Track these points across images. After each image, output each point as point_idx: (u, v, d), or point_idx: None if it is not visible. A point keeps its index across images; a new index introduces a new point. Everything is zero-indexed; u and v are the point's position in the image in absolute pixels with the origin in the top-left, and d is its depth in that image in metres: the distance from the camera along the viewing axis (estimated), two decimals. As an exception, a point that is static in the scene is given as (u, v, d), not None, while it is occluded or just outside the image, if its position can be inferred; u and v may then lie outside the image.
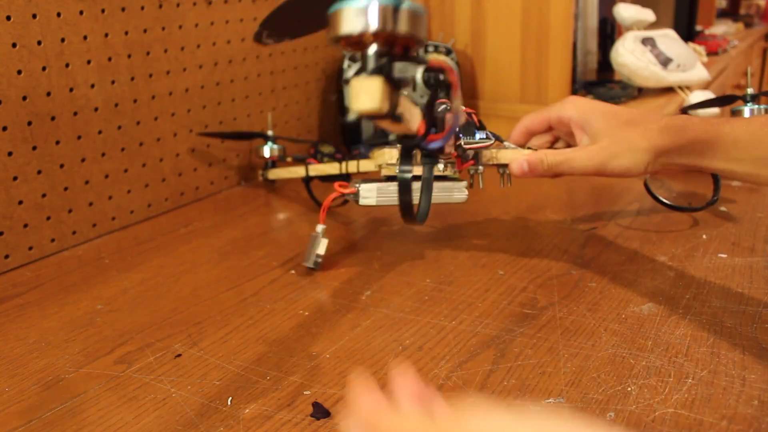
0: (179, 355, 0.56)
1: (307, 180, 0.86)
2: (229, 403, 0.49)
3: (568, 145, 0.70)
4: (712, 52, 1.71)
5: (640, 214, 0.81)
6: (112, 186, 0.83)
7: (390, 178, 0.67)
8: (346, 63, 1.08)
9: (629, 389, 0.48)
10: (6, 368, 0.55)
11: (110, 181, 0.83)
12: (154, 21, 0.85)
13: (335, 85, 1.15)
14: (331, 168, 0.83)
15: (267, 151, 0.95)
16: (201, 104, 0.93)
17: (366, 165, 0.77)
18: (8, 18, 0.69)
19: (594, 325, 0.57)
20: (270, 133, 0.96)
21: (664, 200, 0.77)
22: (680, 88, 1.21)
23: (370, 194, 0.66)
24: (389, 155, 0.66)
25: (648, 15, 1.24)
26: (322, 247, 0.69)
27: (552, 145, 0.72)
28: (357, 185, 0.66)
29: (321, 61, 1.13)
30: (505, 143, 0.69)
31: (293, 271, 0.70)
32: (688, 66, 1.21)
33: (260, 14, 1.00)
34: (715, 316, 0.57)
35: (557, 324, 0.57)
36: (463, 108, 0.66)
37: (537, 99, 1.17)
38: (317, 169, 0.85)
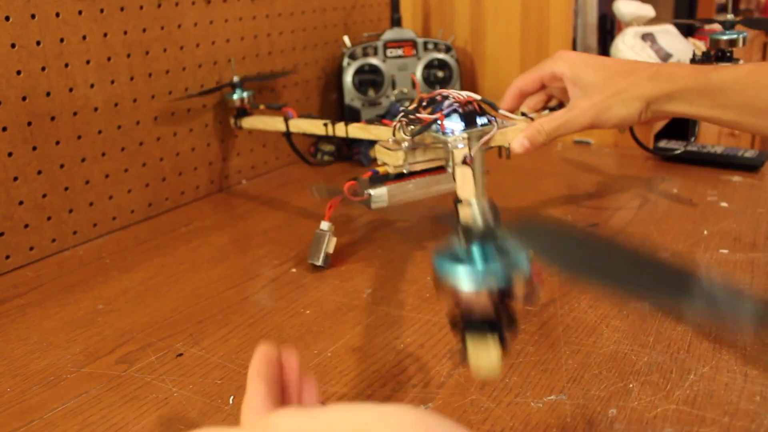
0: (180, 355, 0.56)
1: (288, 134, 0.84)
2: (230, 402, 0.49)
3: (561, 103, 0.70)
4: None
5: (641, 211, 0.81)
6: (112, 186, 0.83)
7: (398, 176, 0.66)
8: (345, 61, 1.08)
9: (631, 386, 0.48)
10: (7, 368, 0.55)
11: (111, 180, 0.83)
12: (153, 20, 0.85)
13: (335, 84, 1.15)
14: (314, 127, 0.81)
15: (236, 97, 0.92)
16: (201, 103, 0.93)
17: (354, 131, 0.76)
18: (7, 18, 0.69)
19: (595, 322, 0.57)
20: (236, 79, 0.93)
21: (646, 145, 0.78)
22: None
23: (381, 198, 0.65)
24: (395, 157, 0.65)
25: (648, 11, 1.23)
26: (331, 245, 0.69)
27: (545, 105, 0.72)
28: (368, 192, 0.65)
29: (321, 59, 1.13)
30: (500, 110, 0.69)
31: (294, 270, 0.70)
32: (688, 61, 1.21)
33: (259, 13, 1.00)
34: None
35: (559, 321, 0.57)
36: (465, 95, 0.65)
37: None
38: (298, 125, 0.83)
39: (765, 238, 0.71)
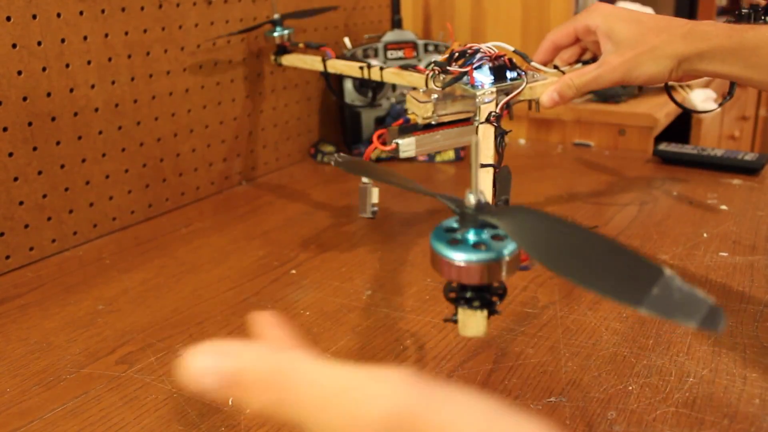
0: (181, 355, 0.56)
1: (327, 75, 0.86)
2: (230, 403, 0.49)
3: (594, 56, 0.70)
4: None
5: (641, 213, 0.81)
6: (112, 186, 0.83)
7: (427, 126, 0.66)
8: (346, 62, 1.08)
9: (630, 388, 0.48)
10: (7, 369, 0.55)
11: (111, 181, 0.83)
12: (154, 21, 0.85)
13: (336, 85, 1.15)
14: (350, 69, 0.82)
15: (277, 34, 0.92)
16: (201, 104, 0.93)
17: (389, 76, 0.78)
18: (8, 19, 0.69)
19: (595, 324, 0.57)
20: (276, 16, 0.93)
21: (683, 105, 0.76)
22: (680, 86, 1.21)
23: (409, 147, 0.65)
24: (424, 109, 0.65)
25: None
26: (375, 196, 0.67)
27: (579, 58, 0.72)
28: (396, 141, 0.65)
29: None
30: (532, 63, 0.69)
31: (294, 271, 0.70)
32: None
33: (260, 15, 1.00)
34: (716, 314, 0.57)
35: (558, 323, 0.57)
36: (495, 50, 0.65)
37: (537, 98, 1.17)
38: (335, 66, 0.84)
39: (765, 241, 0.71)
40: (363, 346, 0.56)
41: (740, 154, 0.96)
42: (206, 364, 0.27)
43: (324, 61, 0.85)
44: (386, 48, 1.09)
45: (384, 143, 0.65)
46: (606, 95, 1.16)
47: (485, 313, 0.36)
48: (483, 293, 0.36)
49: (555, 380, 0.50)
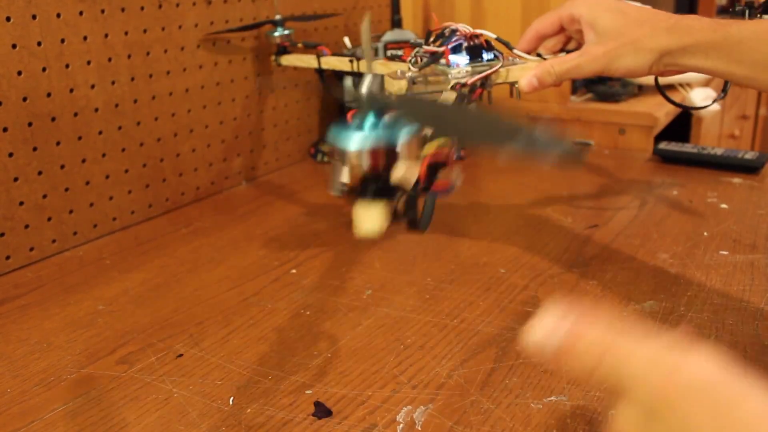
0: (181, 355, 0.56)
1: (321, 71, 0.89)
2: (230, 402, 0.49)
3: (578, 45, 0.69)
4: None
5: (642, 212, 0.81)
6: (112, 186, 0.83)
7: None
8: (346, 62, 1.08)
9: (631, 387, 0.48)
10: (7, 369, 0.55)
11: (111, 181, 0.83)
12: (154, 21, 0.85)
13: (336, 84, 1.15)
14: (341, 63, 0.85)
15: (278, 34, 0.94)
16: (201, 104, 0.93)
17: (377, 68, 0.78)
18: (8, 19, 0.69)
19: (595, 323, 0.57)
20: (278, 17, 0.94)
21: (673, 100, 0.76)
22: (681, 85, 1.21)
23: None
24: (398, 86, 0.66)
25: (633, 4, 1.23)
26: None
27: (564, 47, 0.71)
28: None
29: (321, 60, 1.13)
30: (514, 50, 0.68)
31: (294, 271, 0.70)
32: None
33: (260, 14, 1.00)
34: (716, 313, 0.57)
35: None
36: (470, 29, 0.65)
37: (537, 96, 1.16)
38: (329, 62, 0.87)
39: (765, 240, 0.71)
40: (363, 346, 0.56)
41: (740, 153, 0.96)
42: (548, 326, 0.31)
43: (318, 58, 0.88)
44: (386, 48, 1.09)
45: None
46: (606, 94, 1.16)
47: (381, 204, 0.36)
48: (379, 182, 0.36)
49: (556, 379, 0.50)
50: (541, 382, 0.49)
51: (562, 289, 0.63)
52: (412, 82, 0.65)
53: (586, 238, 0.74)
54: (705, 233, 0.73)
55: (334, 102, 1.16)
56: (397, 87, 0.66)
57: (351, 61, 0.84)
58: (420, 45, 0.67)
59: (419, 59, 0.66)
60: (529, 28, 0.70)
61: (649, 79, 1.19)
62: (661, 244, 0.71)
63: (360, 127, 0.35)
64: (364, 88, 0.34)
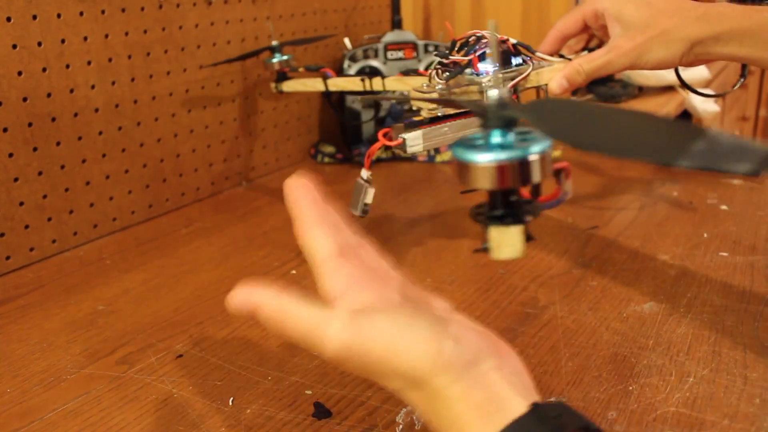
0: (181, 356, 0.56)
1: (328, 94, 0.85)
2: (230, 403, 0.49)
3: (600, 43, 0.68)
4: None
5: (642, 213, 0.81)
6: (113, 187, 0.83)
7: (433, 120, 0.64)
8: (346, 63, 1.08)
9: (631, 388, 0.48)
10: (8, 369, 0.55)
11: (111, 181, 0.83)
12: (154, 22, 0.85)
13: (337, 96, 1.15)
14: (352, 84, 0.81)
15: (276, 60, 0.90)
16: (201, 105, 0.93)
17: (391, 84, 0.77)
18: (8, 19, 0.69)
19: (595, 324, 0.57)
20: (275, 43, 0.91)
21: (693, 87, 0.74)
22: (681, 86, 1.21)
23: (416, 141, 0.63)
24: (428, 103, 0.64)
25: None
26: (370, 196, 0.67)
27: (586, 45, 0.70)
28: (401, 135, 0.63)
29: (321, 60, 1.13)
30: (537, 53, 0.67)
31: (294, 271, 0.70)
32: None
33: (260, 14, 1.00)
34: (716, 314, 0.57)
35: (558, 323, 0.57)
36: (498, 35, 0.63)
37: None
38: (337, 84, 0.83)
39: (765, 241, 0.71)
40: (363, 347, 0.56)
41: (740, 154, 0.96)
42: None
43: (325, 80, 0.83)
44: (386, 48, 1.09)
45: (390, 139, 0.63)
46: (606, 95, 1.16)
47: (520, 228, 0.34)
48: (514, 206, 0.34)
49: (555, 380, 0.50)
50: (540, 383, 0.49)
51: (562, 290, 0.63)
52: (445, 92, 0.63)
53: (587, 239, 0.74)
54: (705, 234, 0.73)
55: (335, 104, 1.16)
56: (426, 103, 0.64)
57: (362, 80, 0.79)
58: (444, 56, 0.64)
59: (439, 72, 0.65)
60: (552, 29, 0.69)
61: (649, 80, 1.19)
62: (661, 246, 0.71)
63: (487, 141, 0.33)
64: (490, 98, 0.32)
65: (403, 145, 0.63)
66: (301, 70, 0.92)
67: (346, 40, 1.09)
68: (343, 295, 0.35)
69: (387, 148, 0.67)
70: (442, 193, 0.94)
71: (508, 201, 0.34)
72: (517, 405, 0.31)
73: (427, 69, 0.72)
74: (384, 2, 1.25)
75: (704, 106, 1.20)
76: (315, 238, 0.36)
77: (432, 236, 0.79)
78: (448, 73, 0.64)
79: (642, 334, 0.55)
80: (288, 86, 0.90)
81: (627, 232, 0.75)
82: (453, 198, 0.92)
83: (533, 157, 0.31)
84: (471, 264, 0.70)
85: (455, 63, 0.64)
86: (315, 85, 0.85)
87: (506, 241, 0.34)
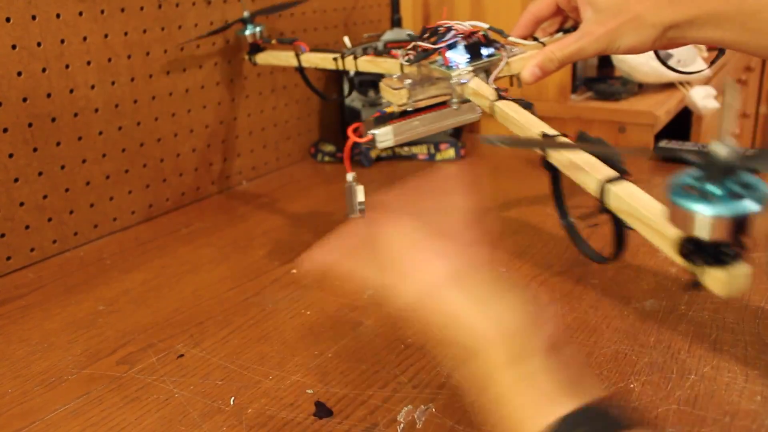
0: (181, 356, 0.56)
1: (301, 69, 0.84)
2: (231, 402, 0.49)
3: (575, 24, 0.67)
4: (712, 47, 1.70)
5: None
6: (113, 187, 0.83)
7: (403, 113, 0.63)
8: (346, 62, 1.08)
9: (632, 386, 0.48)
10: (9, 369, 0.55)
11: (111, 182, 0.83)
12: (154, 21, 0.85)
13: (336, 84, 1.15)
14: (324, 62, 0.80)
15: (248, 32, 0.89)
16: (201, 104, 0.93)
17: (363, 65, 0.75)
18: (8, 20, 0.69)
19: (596, 323, 0.57)
20: (246, 14, 0.89)
21: (670, 66, 0.74)
22: (681, 83, 1.21)
23: (386, 137, 0.62)
24: (399, 96, 0.63)
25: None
26: (361, 194, 0.65)
27: (560, 27, 0.69)
28: (371, 132, 0.62)
29: (321, 59, 1.13)
30: (510, 38, 0.66)
31: (295, 271, 0.70)
32: (688, 61, 1.21)
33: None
34: (717, 312, 0.57)
35: (560, 321, 0.57)
36: (468, 26, 0.63)
37: (537, 96, 1.17)
38: (309, 60, 0.82)
39: (765, 239, 0.71)
40: (364, 346, 0.56)
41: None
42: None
43: (298, 56, 0.82)
44: (386, 47, 1.08)
45: (360, 135, 0.62)
46: (606, 93, 1.16)
47: (745, 265, 0.33)
48: (729, 248, 0.33)
49: (556, 378, 0.49)
50: (541, 382, 0.49)
51: (562, 288, 0.63)
52: (413, 87, 0.62)
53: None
54: (705, 232, 0.73)
55: (334, 102, 1.16)
56: (396, 97, 0.62)
57: (335, 59, 0.78)
58: (415, 40, 0.64)
59: (410, 57, 0.64)
60: (524, 12, 0.67)
61: (649, 77, 1.19)
62: (661, 243, 0.71)
63: (711, 190, 0.32)
64: (717, 148, 0.32)
65: (372, 141, 0.62)
66: (273, 42, 0.90)
67: (346, 39, 1.09)
68: None
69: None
70: (442, 192, 0.94)
71: (726, 247, 0.33)
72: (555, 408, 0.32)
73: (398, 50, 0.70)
74: (383, 1, 1.25)
75: (704, 103, 1.20)
76: None
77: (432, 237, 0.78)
78: (413, 59, 0.63)
79: (643, 332, 0.55)
80: (261, 59, 0.89)
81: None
82: (452, 197, 0.92)
83: (759, 209, 0.31)
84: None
85: (425, 50, 0.62)
86: (288, 59, 0.84)
87: (735, 279, 0.34)
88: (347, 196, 0.66)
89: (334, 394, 0.49)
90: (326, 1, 1.12)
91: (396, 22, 1.12)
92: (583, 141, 0.43)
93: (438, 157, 1.07)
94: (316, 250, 0.43)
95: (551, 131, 0.51)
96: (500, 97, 0.57)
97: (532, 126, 0.52)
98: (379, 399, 0.49)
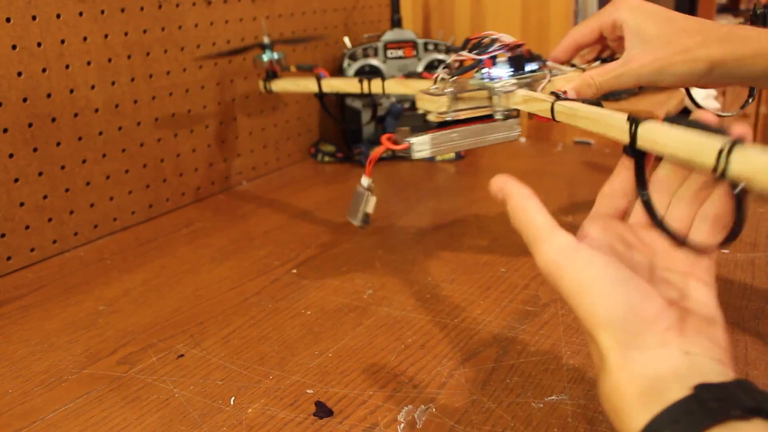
0: (182, 356, 0.56)
1: (321, 96, 0.81)
2: (232, 402, 0.49)
3: (612, 54, 0.66)
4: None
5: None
6: (113, 187, 0.83)
7: (442, 124, 0.61)
8: (346, 62, 1.08)
9: (632, 386, 0.48)
10: (9, 370, 0.55)
11: (111, 182, 0.83)
12: (154, 21, 0.85)
13: (337, 98, 1.15)
14: (348, 86, 0.77)
15: (266, 58, 0.86)
16: (201, 104, 0.93)
17: (391, 86, 0.74)
18: (8, 20, 0.69)
19: (596, 322, 0.57)
20: (266, 40, 0.86)
21: (699, 103, 0.71)
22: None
23: (423, 147, 0.60)
24: (438, 103, 0.60)
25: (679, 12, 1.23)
26: (371, 206, 0.63)
27: (598, 55, 0.68)
28: (408, 140, 0.60)
29: (321, 59, 1.13)
30: (548, 63, 0.64)
31: (295, 271, 0.70)
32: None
33: (260, 14, 1.00)
34: (717, 312, 0.57)
35: (559, 321, 0.57)
36: (512, 39, 0.61)
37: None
38: (331, 85, 0.79)
39: (766, 238, 0.71)
40: (364, 345, 0.56)
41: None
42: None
43: (318, 81, 0.80)
44: (386, 47, 1.09)
45: (395, 143, 0.60)
46: (606, 93, 1.16)
47: None
48: None
49: (556, 378, 0.50)
50: (542, 381, 0.49)
51: (562, 288, 0.63)
52: (455, 98, 0.60)
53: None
54: (705, 232, 0.73)
55: (334, 102, 1.16)
56: (436, 105, 0.60)
57: (360, 82, 0.76)
58: (453, 50, 0.63)
59: (446, 74, 0.61)
60: (566, 36, 0.66)
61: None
62: (661, 243, 0.71)
63: None
64: None
65: (409, 150, 0.60)
66: (292, 69, 0.88)
67: (346, 39, 1.09)
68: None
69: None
70: (442, 192, 0.95)
71: None
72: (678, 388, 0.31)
73: (426, 69, 0.70)
74: (383, 1, 1.25)
75: (704, 103, 1.20)
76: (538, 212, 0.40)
77: (432, 235, 0.79)
78: (453, 78, 0.61)
79: (643, 332, 0.55)
80: (278, 86, 0.86)
81: (627, 230, 0.75)
82: (452, 197, 0.92)
83: None
84: (472, 262, 0.70)
85: (461, 63, 0.62)
86: (308, 85, 0.82)
87: None
88: (354, 201, 0.64)
89: (334, 394, 0.49)
90: (326, 1, 1.12)
91: (396, 23, 1.12)
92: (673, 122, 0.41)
93: (438, 157, 1.07)
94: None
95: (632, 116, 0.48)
96: (559, 98, 0.55)
97: (608, 117, 0.48)
98: (380, 399, 0.49)
